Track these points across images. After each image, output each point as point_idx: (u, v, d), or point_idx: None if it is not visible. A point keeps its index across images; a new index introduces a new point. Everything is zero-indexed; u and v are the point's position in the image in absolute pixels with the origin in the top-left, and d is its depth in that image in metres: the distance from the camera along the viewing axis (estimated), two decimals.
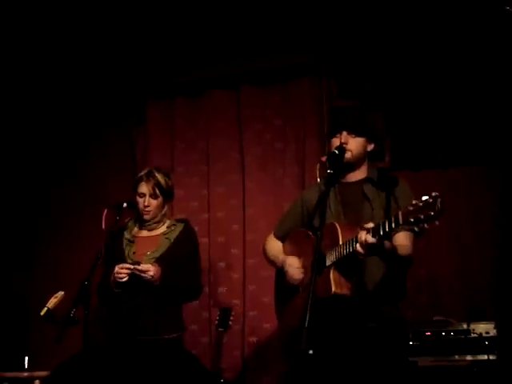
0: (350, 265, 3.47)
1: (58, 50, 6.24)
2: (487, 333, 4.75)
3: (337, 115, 3.94)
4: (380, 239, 3.27)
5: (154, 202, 4.46)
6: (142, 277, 4.21)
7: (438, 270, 5.52)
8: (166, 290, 4.29)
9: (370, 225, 3.31)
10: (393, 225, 3.14)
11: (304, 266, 3.77)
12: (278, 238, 4.13)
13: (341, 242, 3.45)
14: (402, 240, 3.55)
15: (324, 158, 3.70)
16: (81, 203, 6.37)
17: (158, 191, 4.45)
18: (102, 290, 4.46)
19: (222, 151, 6.24)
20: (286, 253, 3.98)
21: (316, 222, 3.79)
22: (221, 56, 6.18)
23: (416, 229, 2.99)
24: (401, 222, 3.08)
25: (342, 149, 3.70)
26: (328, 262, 3.51)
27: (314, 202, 3.89)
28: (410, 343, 4.80)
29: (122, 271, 4.22)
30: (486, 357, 4.69)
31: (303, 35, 5.91)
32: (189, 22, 5.99)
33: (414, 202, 2.99)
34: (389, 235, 3.30)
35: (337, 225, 3.55)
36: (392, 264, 3.59)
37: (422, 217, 2.93)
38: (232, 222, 6.11)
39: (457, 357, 4.77)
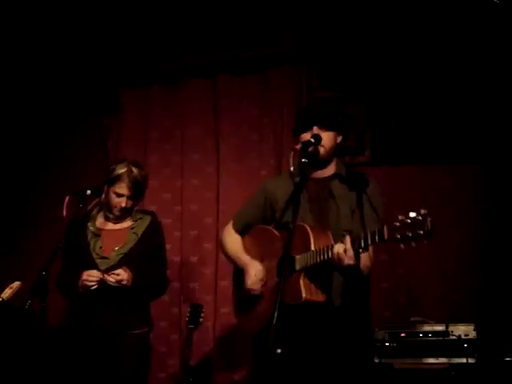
0: (320, 271, 3.41)
1: (28, 36, 6.10)
2: (466, 335, 4.64)
3: (307, 111, 3.79)
4: (357, 251, 3.21)
5: (130, 203, 4.35)
6: (114, 284, 4.10)
7: (417, 269, 5.43)
8: (134, 290, 4.18)
9: (348, 242, 3.23)
10: (376, 239, 3.10)
11: (268, 268, 3.68)
12: (237, 230, 4.02)
13: (313, 248, 3.39)
14: (364, 258, 3.43)
15: (298, 147, 3.59)
16: (45, 192, 6.21)
17: (136, 192, 4.33)
18: (65, 286, 4.31)
19: (198, 141, 6.12)
20: (247, 250, 3.89)
21: (280, 216, 3.72)
22: (199, 43, 6.05)
23: (402, 246, 2.95)
24: (386, 237, 3.03)
25: (317, 137, 3.60)
26: (298, 267, 3.43)
27: (277, 195, 3.79)
28: (386, 344, 4.70)
29: (91, 279, 4.09)
30: (464, 360, 4.57)
31: (284, 24, 5.81)
32: (166, 8, 5.88)
33: (400, 217, 2.95)
34: (367, 248, 3.23)
35: (308, 228, 3.46)
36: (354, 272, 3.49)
37: (410, 235, 2.89)
38: (205, 215, 5.99)
39: (434, 359, 4.65)
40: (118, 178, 4.29)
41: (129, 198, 4.31)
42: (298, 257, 3.43)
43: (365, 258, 3.41)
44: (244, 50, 5.97)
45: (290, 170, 3.64)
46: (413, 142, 5.53)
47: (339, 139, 3.73)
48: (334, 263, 3.27)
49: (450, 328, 4.67)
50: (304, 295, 3.37)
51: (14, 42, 6.11)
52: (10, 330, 4.97)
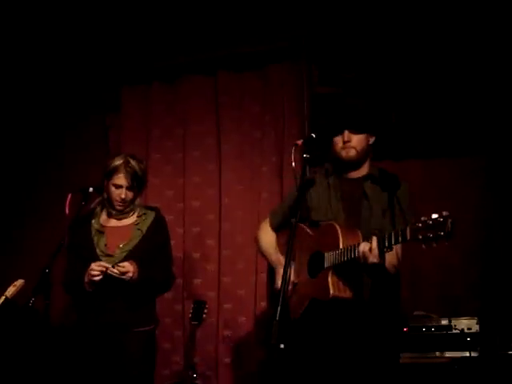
0: (348, 269, 3.45)
1: (30, 34, 6.09)
2: (469, 329, 4.66)
3: (338, 113, 3.82)
4: (382, 250, 3.28)
5: (130, 194, 4.32)
6: (121, 277, 4.08)
7: (419, 264, 5.40)
8: (140, 285, 4.16)
9: (374, 241, 3.29)
10: (399, 239, 3.16)
11: (300, 264, 3.73)
12: (273, 227, 4.06)
13: (341, 246, 3.45)
14: (391, 257, 3.50)
15: (300, 142, 3.62)
16: (48, 190, 6.20)
17: (135, 183, 4.30)
18: (70, 284, 4.29)
19: (199, 139, 6.11)
20: (281, 246, 3.93)
21: (314, 215, 3.77)
22: (199, 40, 6.04)
23: (423, 246, 3.01)
24: (408, 237, 3.09)
25: (320, 133, 3.63)
26: (326, 264, 3.50)
27: (311, 194, 3.84)
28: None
29: (96, 268, 4.05)
30: (467, 354, 4.59)
31: (284, 19, 5.79)
32: (166, 6, 5.86)
33: (422, 218, 3.01)
34: (391, 247, 3.28)
35: (337, 227, 3.53)
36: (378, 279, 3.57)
37: (431, 235, 2.95)
38: (208, 212, 5.99)
39: (437, 353, 4.69)
40: (116, 170, 4.27)
41: (128, 188, 4.28)
42: (326, 254, 3.51)
43: (391, 257, 3.47)
44: (244, 46, 5.95)
45: (325, 169, 3.82)
46: (413, 137, 5.52)
47: (372, 140, 3.77)
48: (360, 261, 3.32)
49: (453, 322, 4.70)
50: (332, 292, 3.42)
51: (15, 41, 6.10)
52: (14, 327, 4.97)
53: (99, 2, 5.77)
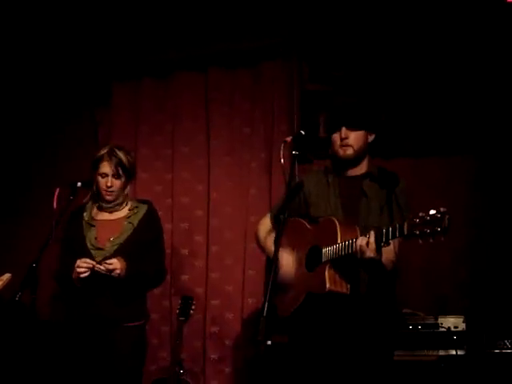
0: (345, 264, 3.48)
1: (21, 30, 6.07)
2: (456, 327, 4.68)
3: (335, 111, 3.83)
4: (379, 245, 3.31)
5: (117, 183, 4.28)
6: (107, 273, 4.05)
7: (407, 262, 5.34)
8: (129, 280, 4.13)
9: (372, 236, 3.32)
10: (397, 233, 3.20)
11: (298, 258, 3.74)
12: (273, 222, 4.05)
13: (339, 241, 3.47)
14: (388, 253, 3.51)
15: (289, 139, 3.64)
16: (36, 185, 6.18)
17: (120, 171, 4.27)
18: (61, 278, 4.28)
19: (188, 134, 6.10)
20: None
21: (313, 211, 3.80)
22: (190, 36, 6.01)
23: (420, 241, 3.05)
24: (405, 232, 3.13)
25: (309, 129, 3.65)
26: (324, 259, 3.53)
27: (311, 190, 3.88)
28: None
29: (82, 265, 4.02)
30: (454, 352, 4.61)
31: (274, 16, 5.78)
32: (157, 1, 5.85)
33: (420, 214, 3.05)
34: (388, 242, 3.31)
35: (336, 222, 3.55)
36: (375, 274, 3.58)
37: (428, 231, 3.00)
38: (196, 208, 5.98)
39: (424, 351, 4.70)
40: (101, 159, 4.26)
41: (114, 176, 4.25)
42: (324, 249, 3.53)
43: (388, 252, 3.48)
44: (235, 43, 5.93)
45: (324, 166, 3.89)
46: (403, 135, 5.53)
47: (371, 138, 3.80)
48: (357, 256, 3.35)
49: (440, 320, 4.71)
50: (328, 285, 3.44)
51: (6, 36, 6.07)
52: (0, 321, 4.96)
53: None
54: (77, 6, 5.83)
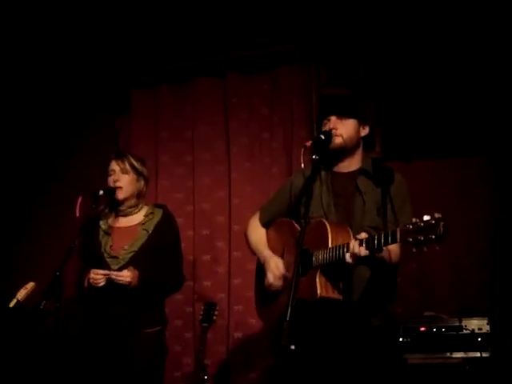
0: (337, 268, 3.35)
1: (40, 38, 6.11)
2: (480, 329, 4.64)
3: (325, 102, 3.76)
4: (372, 252, 3.17)
5: (124, 177, 4.28)
6: (120, 283, 4.05)
7: (429, 264, 5.38)
8: (144, 289, 4.12)
9: (363, 235, 3.22)
10: (389, 240, 3.06)
11: (288, 262, 3.60)
12: (263, 223, 3.93)
13: (330, 245, 3.33)
14: (393, 246, 3.35)
15: (309, 143, 3.58)
16: (58, 193, 6.19)
17: (127, 165, 4.30)
18: (79, 287, 4.28)
19: (208, 141, 6.12)
20: (270, 242, 3.83)
21: (304, 211, 3.59)
22: (207, 42, 6.05)
23: (414, 249, 2.89)
24: (398, 240, 3.00)
25: (328, 134, 3.56)
26: (315, 263, 3.39)
27: (302, 188, 3.73)
28: (400, 340, 4.70)
29: (97, 277, 4.03)
30: (478, 354, 4.57)
31: (292, 21, 5.80)
32: (175, 9, 5.90)
33: (414, 220, 2.89)
34: (381, 249, 3.16)
35: (327, 224, 3.41)
36: (379, 268, 3.45)
37: (422, 238, 2.83)
38: (217, 214, 6.00)
39: (448, 354, 4.66)
40: (110, 159, 4.35)
41: (121, 171, 4.28)
42: (315, 253, 3.39)
43: (393, 252, 3.40)
44: (252, 48, 5.95)
45: (302, 167, 3.65)
46: (423, 137, 5.50)
47: (364, 131, 3.66)
48: (348, 264, 3.25)
49: (464, 322, 4.68)
50: (319, 292, 3.32)
51: (26, 44, 6.12)
52: (24, 330, 4.99)
53: (109, 5, 5.81)
54: (95, 15, 5.89)
